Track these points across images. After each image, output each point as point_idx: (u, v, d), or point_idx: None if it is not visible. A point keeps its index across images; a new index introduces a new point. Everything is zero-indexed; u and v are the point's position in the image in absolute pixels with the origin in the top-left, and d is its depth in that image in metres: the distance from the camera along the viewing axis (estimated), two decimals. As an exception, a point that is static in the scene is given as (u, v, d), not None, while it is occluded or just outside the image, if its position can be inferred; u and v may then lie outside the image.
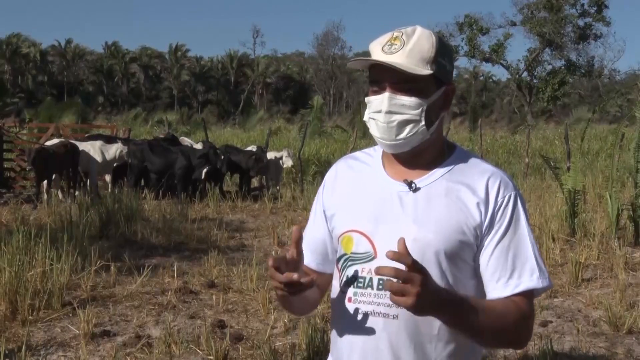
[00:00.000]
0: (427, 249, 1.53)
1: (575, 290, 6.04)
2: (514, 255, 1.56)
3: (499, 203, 1.57)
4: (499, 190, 1.57)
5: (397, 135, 1.56)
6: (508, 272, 1.55)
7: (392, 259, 1.37)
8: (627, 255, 7.09)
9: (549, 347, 4.28)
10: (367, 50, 1.64)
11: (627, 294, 5.68)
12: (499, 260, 1.56)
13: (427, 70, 1.54)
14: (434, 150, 1.63)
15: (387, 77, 1.55)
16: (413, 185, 1.59)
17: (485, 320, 1.49)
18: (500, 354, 4.44)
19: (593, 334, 4.90)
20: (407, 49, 1.53)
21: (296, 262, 1.54)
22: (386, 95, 1.55)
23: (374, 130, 1.60)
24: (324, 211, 1.74)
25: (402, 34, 1.56)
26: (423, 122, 1.56)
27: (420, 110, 1.55)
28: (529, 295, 1.57)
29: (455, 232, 1.54)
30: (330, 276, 1.72)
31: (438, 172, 1.61)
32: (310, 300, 1.72)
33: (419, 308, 1.39)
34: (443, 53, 1.58)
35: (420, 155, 1.61)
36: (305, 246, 1.69)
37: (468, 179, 1.59)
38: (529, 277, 1.55)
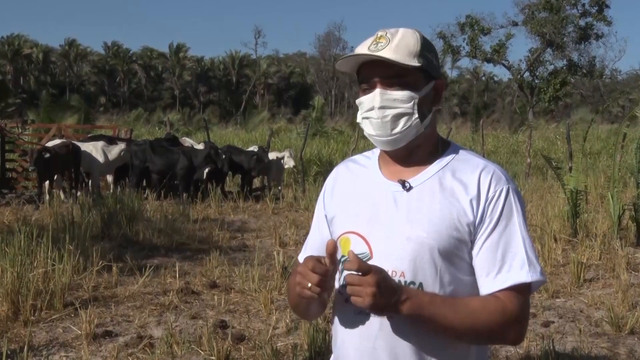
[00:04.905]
0: (420, 247, 1.54)
1: (577, 291, 6.04)
2: (504, 250, 1.54)
3: (489, 198, 1.56)
4: (491, 184, 1.57)
5: (393, 129, 1.58)
6: (497, 267, 1.54)
7: (345, 268, 1.47)
8: (629, 256, 7.09)
9: (551, 347, 4.27)
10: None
11: (629, 295, 5.67)
12: (488, 254, 1.54)
13: (414, 63, 1.56)
14: (428, 147, 1.64)
15: (376, 74, 1.58)
16: (407, 184, 1.60)
17: (455, 317, 1.49)
18: (502, 355, 4.44)
19: (595, 334, 4.90)
20: (393, 44, 1.56)
21: (329, 271, 1.53)
22: (377, 91, 1.57)
23: (368, 129, 1.62)
24: (325, 215, 1.76)
25: (387, 32, 1.59)
26: (417, 115, 1.58)
27: (412, 103, 1.57)
28: (520, 290, 1.53)
29: (448, 229, 1.54)
30: (334, 280, 1.73)
31: (431, 169, 1.62)
32: (324, 303, 1.73)
33: (376, 307, 1.45)
34: (428, 48, 1.61)
35: (414, 153, 1.63)
36: (310, 250, 1.75)
37: (461, 175, 1.59)
38: (519, 271, 1.53)
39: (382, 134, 1.59)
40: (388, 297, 1.45)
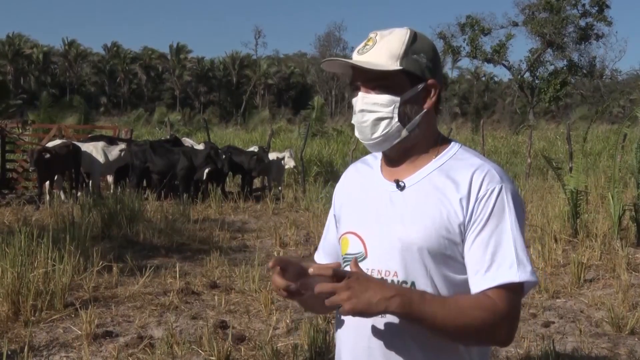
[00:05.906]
0: (410, 247, 1.54)
1: (577, 291, 6.04)
2: (495, 248, 1.51)
3: (480, 197, 1.53)
4: (482, 183, 1.54)
5: (372, 134, 1.60)
6: (486, 265, 1.51)
7: (312, 274, 1.44)
8: (630, 256, 7.08)
9: (551, 347, 4.28)
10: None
11: (629, 295, 5.67)
12: (478, 252, 1.52)
13: (394, 67, 1.55)
14: (423, 146, 1.63)
15: (359, 77, 1.60)
16: (401, 184, 1.61)
17: (445, 315, 1.45)
18: (502, 355, 4.44)
19: (595, 334, 4.89)
20: (376, 47, 1.57)
21: (304, 272, 1.54)
22: (360, 95, 1.60)
23: (355, 132, 1.65)
24: (334, 215, 1.78)
25: (377, 34, 1.60)
26: (396, 119, 1.58)
27: (392, 107, 1.57)
28: (510, 289, 1.50)
29: (439, 229, 1.53)
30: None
31: (427, 169, 1.61)
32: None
33: (359, 310, 1.40)
34: (418, 49, 1.59)
35: (411, 153, 1.63)
36: (322, 249, 1.81)
37: (454, 174, 1.57)
38: (507, 270, 1.49)
39: (363, 137, 1.62)
40: (368, 297, 1.40)
